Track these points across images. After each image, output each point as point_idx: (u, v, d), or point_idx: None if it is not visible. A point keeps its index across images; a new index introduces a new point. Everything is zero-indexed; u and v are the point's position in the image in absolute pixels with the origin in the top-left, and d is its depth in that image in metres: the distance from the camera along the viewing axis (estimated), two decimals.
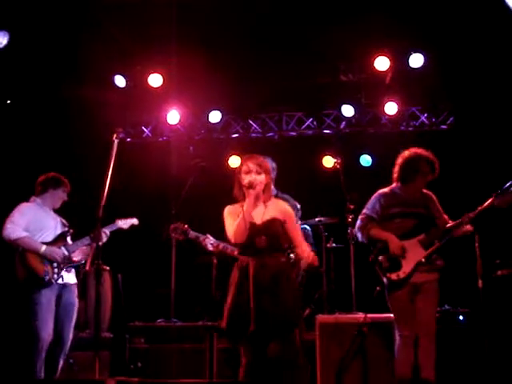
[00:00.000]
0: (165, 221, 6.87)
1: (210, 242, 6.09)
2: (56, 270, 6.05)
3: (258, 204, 4.99)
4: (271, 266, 4.87)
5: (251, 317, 4.73)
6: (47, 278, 5.98)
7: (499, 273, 6.32)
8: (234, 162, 9.47)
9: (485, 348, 5.33)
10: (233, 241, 5.03)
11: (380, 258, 5.70)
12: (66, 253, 6.15)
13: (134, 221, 6.60)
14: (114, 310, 7.64)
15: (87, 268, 5.69)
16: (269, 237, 4.93)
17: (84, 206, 6.16)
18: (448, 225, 5.64)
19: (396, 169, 5.85)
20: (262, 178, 4.97)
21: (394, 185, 5.87)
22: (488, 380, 5.13)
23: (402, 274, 5.58)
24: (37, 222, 6.16)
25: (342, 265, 7.85)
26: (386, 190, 5.88)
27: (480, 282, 5.26)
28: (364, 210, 5.89)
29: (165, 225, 6.63)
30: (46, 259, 6.03)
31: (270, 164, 6.13)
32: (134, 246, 8.98)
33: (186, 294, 8.62)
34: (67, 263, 6.13)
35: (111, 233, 6.31)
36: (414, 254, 5.58)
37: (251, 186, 4.90)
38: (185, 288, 8.64)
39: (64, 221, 6.42)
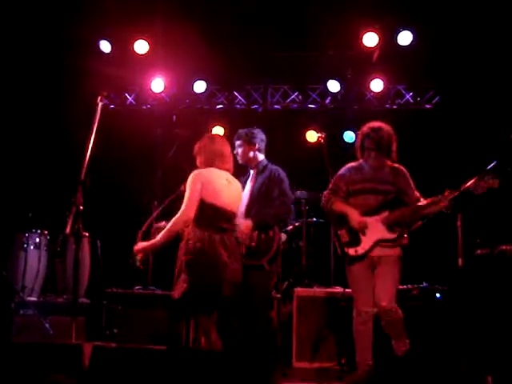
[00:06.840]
0: (146, 189, 6.80)
1: None
2: None
3: None
4: None
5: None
6: None
7: (479, 252, 6.33)
8: (218, 132, 9.43)
9: (461, 326, 5.36)
10: None
11: (340, 231, 5.65)
12: None
13: None
14: (92, 276, 7.61)
15: (67, 231, 5.28)
16: None
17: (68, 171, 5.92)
18: (423, 202, 5.51)
19: None
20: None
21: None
22: (465, 357, 5.16)
23: (360, 249, 5.51)
24: None
25: (323, 239, 7.86)
26: (354, 164, 5.78)
27: (460, 260, 5.25)
28: (330, 185, 5.82)
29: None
30: None
31: (259, 135, 6.17)
32: (114, 212, 8.95)
33: (164, 261, 8.60)
34: None
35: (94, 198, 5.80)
36: (375, 231, 5.48)
37: None
38: (163, 256, 8.62)
39: None
